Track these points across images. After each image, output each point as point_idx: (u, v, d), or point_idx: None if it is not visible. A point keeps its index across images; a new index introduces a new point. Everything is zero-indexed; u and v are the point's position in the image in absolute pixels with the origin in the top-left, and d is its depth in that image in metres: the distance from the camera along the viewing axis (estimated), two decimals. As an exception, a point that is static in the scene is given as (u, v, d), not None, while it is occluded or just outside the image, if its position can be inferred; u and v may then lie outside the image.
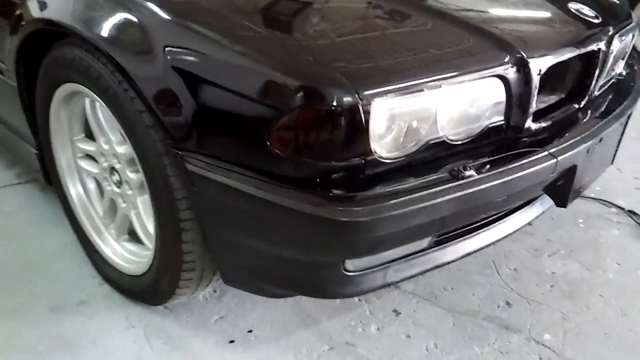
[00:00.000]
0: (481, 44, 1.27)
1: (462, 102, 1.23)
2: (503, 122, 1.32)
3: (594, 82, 1.54)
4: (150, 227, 1.47)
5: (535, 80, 1.31)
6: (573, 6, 1.56)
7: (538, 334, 1.60)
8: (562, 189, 1.49)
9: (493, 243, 1.49)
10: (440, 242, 1.37)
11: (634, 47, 2.04)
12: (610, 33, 1.53)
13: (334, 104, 1.06)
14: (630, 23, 1.71)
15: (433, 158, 1.24)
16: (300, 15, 1.31)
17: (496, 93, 1.27)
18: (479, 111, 1.26)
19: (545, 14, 1.56)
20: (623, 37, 1.63)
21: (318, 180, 1.13)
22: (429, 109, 1.17)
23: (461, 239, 1.41)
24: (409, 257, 1.32)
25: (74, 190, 1.69)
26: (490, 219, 1.46)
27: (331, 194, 1.12)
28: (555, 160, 1.35)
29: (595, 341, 1.59)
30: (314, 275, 1.27)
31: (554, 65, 1.36)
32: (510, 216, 1.52)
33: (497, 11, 1.49)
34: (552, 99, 1.53)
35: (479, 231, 1.45)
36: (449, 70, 1.18)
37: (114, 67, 1.28)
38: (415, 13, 1.35)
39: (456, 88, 1.19)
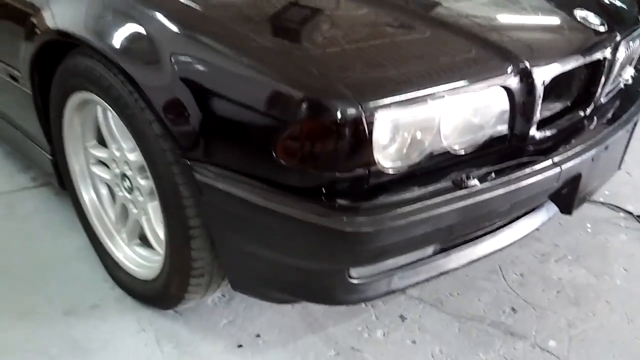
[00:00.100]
0: (485, 54, 1.29)
1: (466, 112, 1.25)
2: (507, 131, 1.33)
3: (599, 90, 1.55)
4: (161, 233, 1.51)
5: (539, 89, 1.32)
6: (579, 14, 1.56)
7: (543, 341, 1.61)
8: (567, 196, 1.50)
9: (498, 250, 1.50)
10: (445, 249, 1.39)
11: None
12: (616, 41, 1.53)
13: (338, 116, 1.08)
14: (638, 28, 1.70)
15: (436, 167, 1.25)
16: (304, 26, 1.33)
17: (500, 103, 1.28)
18: (482, 121, 1.27)
19: (550, 23, 1.57)
20: (630, 44, 1.63)
21: (323, 190, 1.15)
22: (432, 120, 1.19)
23: (466, 246, 1.42)
24: (413, 264, 1.34)
25: (87, 195, 1.73)
26: (496, 226, 1.47)
27: (336, 204, 1.15)
28: (559, 169, 1.36)
29: (600, 348, 1.59)
30: (319, 283, 1.29)
31: (559, 74, 1.37)
32: (516, 223, 1.53)
33: (501, 20, 1.50)
34: (558, 106, 1.53)
35: (484, 238, 1.46)
36: (452, 81, 1.20)
37: (124, 77, 1.31)
38: (418, 23, 1.36)
39: (459, 98, 1.21)
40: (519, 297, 1.76)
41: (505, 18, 1.51)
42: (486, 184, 1.25)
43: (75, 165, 1.70)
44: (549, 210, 1.60)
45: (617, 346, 1.60)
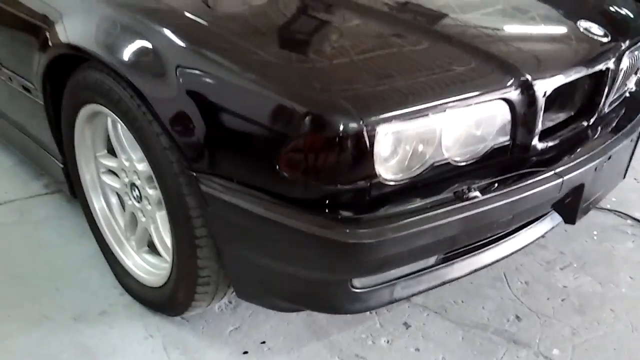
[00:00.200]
0: (485, 67, 1.30)
1: (467, 125, 1.26)
2: (509, 142, 1.34)
3: (603, 100, 1.55)
4: (168, 241, 1.53)
5: (541, 101, 1.33)
6: (582, 25, 1.57)
7: (547, 349, 1.62)
8: (570, 206, 1.51)
9: (502, 259, 1.52)
10: (448, 258, 1.41)
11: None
12: (620, 51, 1.54)
13: (339, 130, 1.10)
14: (643, 38, 1.71)
15: (438, 179, 1.27)
16: (307, 40, 1.36)
17: (501, 115, 1.30)
18: (483, 133, 1.29)
19: (552, 34, 1.58)
20: (634, 54, 1.63)
21: (325, 202, 1.18)
22: (433, 132, 1.20)
23: (469, 255, 1.44)
24: (416, 274, 1.36)
25: (97, 203, 1.76)
26: (499, 235, 1.49)
27: (338, 216, 1.17)
28: (561, 179, 1.37)
29: (604, 357, 1.60)
30: (323, 292, 1.31)
31: (561, 85, 1.39)
32: (520, 232, 1.55)
33: (502, 32, 1.51)
34: (561, 116, 1.54)
35: (487, 247, 1.47)
36: (453, 95, 1.21)
37: (132, 91, 1.34)
38: (420, 36, 1.38)
39: (461, 111, 1.23)
40: (523, 305, 1.77)
41: (507, 30, 1.53)
42: (487, 196, 1.27)
43: (86, 174, 1.74)
44: (553, 219, 1.61)
45: (621, 355, 1.61)
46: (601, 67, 1.48)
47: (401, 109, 1.16)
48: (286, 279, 1.32)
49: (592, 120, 1.56)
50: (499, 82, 1.28)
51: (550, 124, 1.49)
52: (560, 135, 1.48)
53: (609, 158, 1.53)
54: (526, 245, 1.56)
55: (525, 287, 1.84)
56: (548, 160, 1.42)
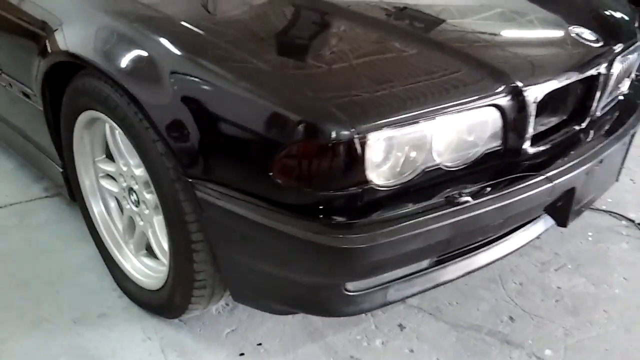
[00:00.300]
0: (476, 74, 1.32)
1: (458, 131, 1.28)
2: (500, 147, 1.36)
3: (595, 104, 1.57)
4: (166, 245, 1.56)
5: (532, 107, 1.35)
6: (574, 30, 1.59)
7: (539, 350, 1.64)
8: (562, 209, 1.53)
9: (495, 261, 1.53)
10: (441, 261, 1.43)
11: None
12: (611, 57, 1.56)
13: (331, 138, 1.12)
14: (636, 42, 1.72)
15: (430, 184, 1.29)
16: (300, 48, 1.38)
17: (492, 121, 1.32)
18: (475, 138, 1.31)
19: (543, 40, 1.60)
20: (626, 58, 1.65)
21: (318, 207, 1.20)
22: (424, 138, 1.22)
23: (462, 258, 1.46)
24: (409, 277, 1.38)
25: (96, 208, 1.79)
26: (491, 238, 1.51)
27: (331, 221, 1.19)
28: (551, 184, 1.39)
29: (596, 358, 1.62)
30: (317, 296, 1.33)
31: (552, 91, 1.41)
32: (512, 235, 1.56)
33: (494, 39, 1.52)
34: (553, 120, 1.56)
35: (480, 250, 1.49)
36: (443, 101, 1.23)
37: (129, 98, 1.36)
38: (411, 43, 1.39)
39: (451, 118, 1.24)
40: (517, 307, 1.79)
41: (499, 36, 1.54)
42: (478, 200, 1.29)
43: (85, 178, 1.76)
44: (546, 222, 1.63)
45: (613, 356, 1.63)
46: (592, 72, 1.50)
47: (392, 117, 1.18)
48: (281, 283, 1.34)
49: (584, 124, 1.58)
50: (489, 89, 1.29)
51: (542, 128, 1.51)
52: (553, 140, 1.50)
53: (601, 162, 1.55)
54: (519, 248, 1.58)
55: (520, 289, 1.86)
56: (540, 164, 1.44)
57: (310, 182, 1.17)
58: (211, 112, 1.23)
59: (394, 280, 1.36)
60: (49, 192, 2.26)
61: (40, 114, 1.76)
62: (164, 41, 1.31)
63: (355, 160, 1.15)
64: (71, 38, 1.50)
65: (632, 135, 1.75)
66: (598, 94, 1.56)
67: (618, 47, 1.60)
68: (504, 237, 1.53)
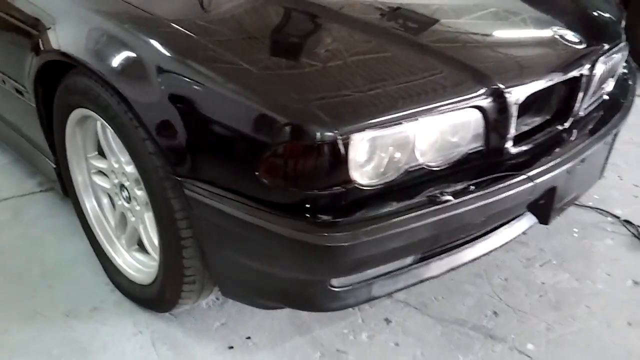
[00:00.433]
0: (458, 76, 1.35)
1: (441, 131, 1.31)
2: (482, 147, 1.39)
3: (578, 105, 1.60)
4: (156, 241, 1.59)
5: (513, 109, 1.38)
6: (557, 32, 1.61)
7: (521, 344, 1.68)
8: (544, 207, 1.56)
9: (478, 258, 1.57)
10: (425, 258, 1.46)
11: (628, 61, 2.08)
12: (594, 58, 1.58)
13: (315, 139, 1.15)
14: (619, 43, 1.75)
15: (413, 183, 1.32)
16: (286, 51, 1.41)
17: (474, 122, 1.35)
18: (457, 139, 1.34)
19: (526, 42, 1.63)
20: (610, 59, 1.68)
21: (302, 206, 1.23)
22: (407, 139, 1.25)
23: (446, 254, 1.49)
24: (393, 273, 1.41)
25: (89, 203, 1.82)
26: (475, 235, 1.54)
27: (315, 220, 1.22)
28: (532, 183, 1.42)
29: (576, 352, 1.66)
30: (303, 292, 1.37)
31: (535, 92, 1.43)
32: (496, 231, 1.60)
33: (477, 41, 1.54)
34: (537, 120, 1.59)
35: (463, 247, 1.53)
36: (425, 103, 1.26)
37: (119, 97, 1.39)
38: (395, 46, 1.42)
39: (433, 119, 1.27)
40: (501, 301, 1.83)
41: (482, 38, 1.56)
42: (459, 199, 1.32)
43: (78, 175, 1.79)
44: (530, 219, 1.66)
45: (593, 350, 1.67)
46: (574, 73, 1.52)
47: (375, 118, 1.21)
48: (268, 279, 1.38)
49: (567, 124, 1.61)
50: (471, 91, 1.32)
51: (525, 128, 1.54)
52: (535, 139, 1.53)
53: (583, 161, 1.58)
54: (503, 245, 1.61)
55: (505, 284, 1.90)
56: (522, 163, 1.47)
57: (295, 181, 1.20)
58: (198, 112, 1.26)
59: (378, 276, 1.39)
60: (43, 186, 2.29)
61: (33, 111, 1.78)
62: (153, 42, 1.34)
63: (338, 160, 1.18)
64: (63, 37, 1.53)
65: (615, 134, 1.78)
66: (581, 95, 1.59)
67: (601, 49, 1.63)
68: (488, 234, 1.56)
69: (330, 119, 1.16)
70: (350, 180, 1.22)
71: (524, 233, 1.69)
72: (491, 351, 1.65)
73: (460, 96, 1.30)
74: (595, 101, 1.75)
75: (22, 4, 1.71)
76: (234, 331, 1.67)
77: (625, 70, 2.05)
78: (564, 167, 1.50)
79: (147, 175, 1.41)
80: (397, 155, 1.26)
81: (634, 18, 3.56)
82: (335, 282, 1.34)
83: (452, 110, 1.30)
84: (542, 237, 2.11)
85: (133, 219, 1.68)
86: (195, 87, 1.26)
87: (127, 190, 1.64)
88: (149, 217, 1.60)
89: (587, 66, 1.56)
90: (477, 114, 1.34)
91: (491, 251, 1.57)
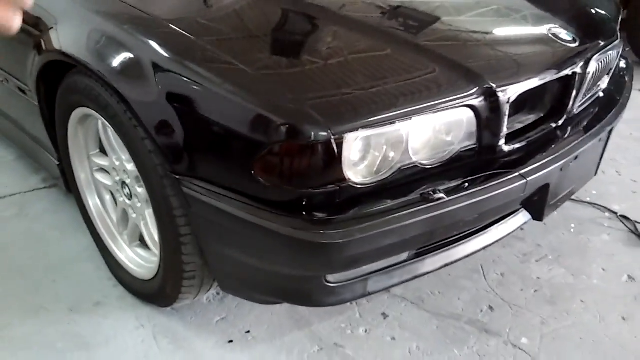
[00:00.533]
0: (450, 75, 1.37)
1: (434, 130, 1.33)
2: (475, 146, 1.41)
3: (571, 102, 1.62)
4: (157, 237, 1.62)
5: (505, 107, 1.40)
6: (551, 30, 1.63)
7: (516, 338, 1.70)
8: (538, 204, 1.59)
9: (473, 253, 1.60)
10: (420, 254, 1.49)
11: (625, 58, 2.10)
12: (587, 56, 1.60)
13: (309, 139, 1.18)
14: (614, 41, 1.76)
15: (406, 181, 1.34)
16: (282, 51, 1.43)
17: (467, 121, 1.37)
18: (450, 138, 1.36)
19: (519, 41, 1.64)
20: (604, 57, 1.69)
21: (298, 204, 1.25)
22: (400, 138, 1.28)
23: (440, 250, 1.52)
24: (388, 269, 1.44)
25: (92, 200, 1.85)
26: (470, 232, 1.57)
27: (310, 218, 1.25)
28: (525, 180, 1.44)
29: (570, 346, 1.69)
30: (299, 287, 1.40)
31: (527, 91, 1.45)
32: (491, 228, 1.62)
33: (469, 40, 1.55)
34: (531, 118, 1.61)
35: (458, 243, 1.55)
36: (419, 103, 1.29)
37: (118, 97, 1.42)
38: (389, 45, 1.44)
39: (426, 118, 1.30)
40: (497, 296, 1.86)
41: (474, 37, 1.58)
42: (452, 197, 1.34)
43: (81, 172, 1.83)
44: (525, 215, 1.69)
45: (586, 344, 1.70)
46: (567, 72, 1.54)
47: (369, 117, 1.23)
48: (265, 275, 1.41)
49: (560, 122, 1.63)
50: (463, 90, 1.34)
51: (519, 126, 1.56)
52: (529, 137, 1.55)
53: (576, 158, 1.60)
54: (497, 241, 1.64)
55: (501, 279, 1.93)
56: (515, 161, 1.49)
57: (290, 180, 1.23)
58: (195, 112, 1.29)
59: (373, 272, 1.42)
60: (47, 183, 2.33)
61: (36, 109, 1.82)
62: (151, 43, 1.36)
63: (333, 159, 1.21)
64: (64, 37, 1.56)
65: (610, 131, 1.80)
66: (574, 93, 1.61)
67: (595, 46, 1.64)
68: (483, 230, 1.59)
69: (324, 119, 1.19)
70: (344, 179, 1.24)
71: (520, 229, 1.72)
72: (486, 345, 1.68)
73: (453, 95, 1.33)
74: (589, 98, 1.77)
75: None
76: (234, 325, 1.71)
77: (623, 66, 2.07)
78: (557, 165, 1.52)
79: (146, 173, 1.44)
80: (391, 154, 1.29)
81: (634, 14, 3.57)
82: (331, 278, 1.37)
83: (445, 110, 1.32)
84: (539, 233, 2.14)
85: (134, 215, 1.71)
86: (192, 87, 1.29)
87: (128, 188, 1.67)
88: (149, 214, 1.63)
89: (581, 64, 1.58)
90: (470, 113, 1.36)
91: (485, 247, 1.60)
